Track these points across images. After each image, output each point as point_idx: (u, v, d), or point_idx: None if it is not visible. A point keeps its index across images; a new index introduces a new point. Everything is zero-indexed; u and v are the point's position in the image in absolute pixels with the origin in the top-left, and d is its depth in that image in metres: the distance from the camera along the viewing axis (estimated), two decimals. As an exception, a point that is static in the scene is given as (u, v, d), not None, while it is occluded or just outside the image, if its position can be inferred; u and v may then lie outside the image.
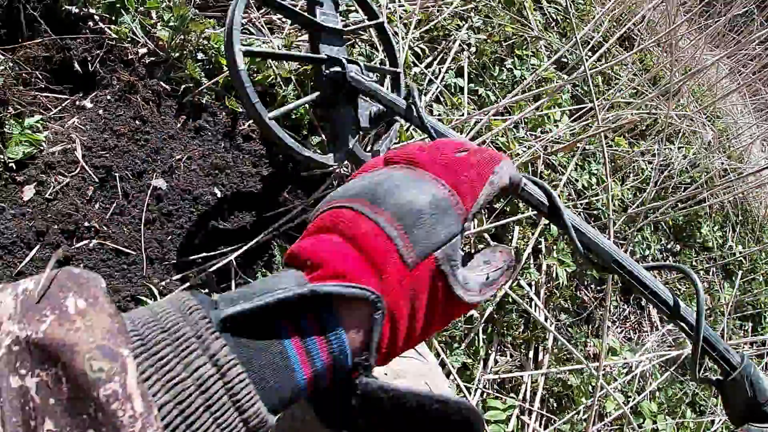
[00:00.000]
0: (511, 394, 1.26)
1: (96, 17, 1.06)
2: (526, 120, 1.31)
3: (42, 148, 0.96)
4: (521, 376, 1.27)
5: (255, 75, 1.06)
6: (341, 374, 0.34)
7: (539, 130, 1.30)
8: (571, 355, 1.31)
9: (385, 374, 0.70)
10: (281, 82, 1.05)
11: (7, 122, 0.96)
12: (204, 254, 0.98)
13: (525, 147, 1.30)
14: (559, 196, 1.42)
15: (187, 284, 0.95)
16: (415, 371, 0.73)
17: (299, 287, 0.32)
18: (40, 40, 1.04)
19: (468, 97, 1.25)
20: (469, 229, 0.40)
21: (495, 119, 1.28)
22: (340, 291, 0.33)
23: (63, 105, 1.02)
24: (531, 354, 1.33)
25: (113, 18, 1.07)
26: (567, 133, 1.37)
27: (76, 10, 1.06)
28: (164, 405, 0.27)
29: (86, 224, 0.92)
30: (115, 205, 0.96)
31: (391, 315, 0.36)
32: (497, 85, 1.32)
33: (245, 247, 1.01)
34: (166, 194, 0.98)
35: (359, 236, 0.36)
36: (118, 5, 1.06)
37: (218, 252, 0.99)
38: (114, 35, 1.05)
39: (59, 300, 0.28)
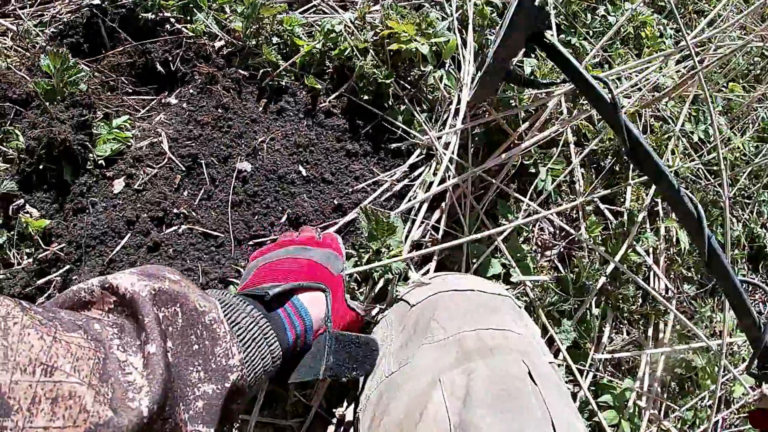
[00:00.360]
0: (628, 377, 1.06)
1: (172, 19, 1.08)
2: (626, 68, 1.18)
3: (130, 144, 0.96)
4: (638, 356, 1.07)
5: (330, 51, 1.02)
6: (309, 334, 0.64)
7: (642, 78, 1.16)
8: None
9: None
10: (358, 54, 1.00)
11: (95, 124, 0.97)
12: (293, 232, 0.90)
13: (629, 98, 1.16)
14: (673, 150, 1.25)
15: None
16: (512, 346, 0.63)
17: (283, 285, 0.64)
18: (122, 48, 1.07)
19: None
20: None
21: (593, 70, 1.16)
22: (308, 284, 0.66)
23: (150, 105, 1.02)
24: (650, 331, 1.12)
25: (188, 17, 1.08)
26: (672, 79, 1.21)
27: (152, 16, 1.08)
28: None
29: (175, 211, 0.89)
30: (202, 191, 0.92)
31: (333, 298, 0.69)
32: (591, 34, 1.21)
33: (338, 224, 0.93)
34: (252, 176, 0.93)
35: (306, 264, 0.70)
36: (191, 5, 1.07)
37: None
38: (191, 33, 1.05)
39: (162, 273, 0.50)
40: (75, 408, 0.36)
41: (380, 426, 0.61)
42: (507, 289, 0.85)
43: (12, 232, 0.93)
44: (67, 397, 0.36)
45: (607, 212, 1.19)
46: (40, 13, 1.26)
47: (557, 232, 1.16)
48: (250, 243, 0.89)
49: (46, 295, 0.88)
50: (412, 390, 0.60)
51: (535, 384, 0.57)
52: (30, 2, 1.30)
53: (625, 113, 1.16)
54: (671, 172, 1.17)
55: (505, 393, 0.55)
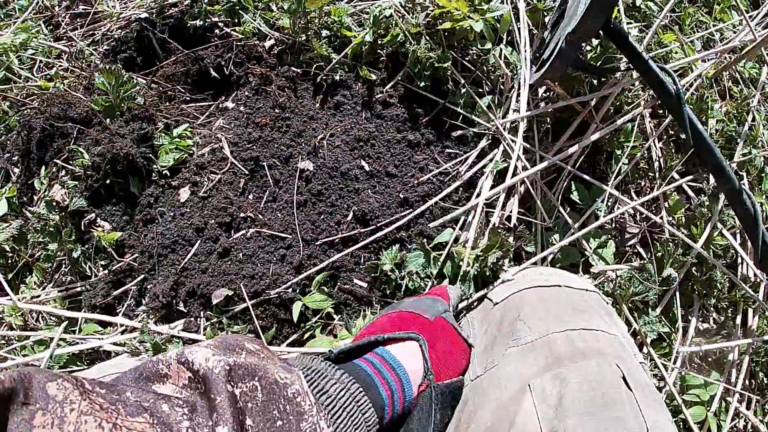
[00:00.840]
0: (715, 370, 0.97)
1: (220, 24, 1.07)
2: (699, 29, 1.09)
3: (192, 152, 0.95)
4: (726, 347, 0.98)
5: (382, 38, 0.99)
6: (408, 388, 0.57)
7: (718, 38, 1.08)
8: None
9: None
10: (411, 38, 0.96)
11: (156, 135, 0.97)
12: (360, 230, 0.88)
13: (704, 61, 1.07)
14: (753, 118, 1.15)
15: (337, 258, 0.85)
16: (604, 349, 0.60)
17: (363, 340, 0.59)
18: (175, 57, 1.07)
19: (624, 13, 1.07)
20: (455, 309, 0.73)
21: (664, 34, 1.08)
22: (393, 335, 0.60)
23: (208, 111, 1.01)
24: (739, 319, 1.03)
25: (236, 20, 1.07)
26: (749, 38, 1.11)
27: (200, 23, 1.07)
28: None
29: (242, 215, 0.88)
30: (267, 193, 0.90)
31: (431, 345, 0.61)
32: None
33: (406, 218, 0.89)
34: (314, 174, 0.91)
35: (395, 317, 0.65)
36: (237, 7, 1.06)
37: (374, 227, 0.89)
38: (240, 35, 1.04)
39: (241, 343, 0.46)
40: None
41: None
42: (592, 283, 0.80)
43: (86, 246, 0.95)
44: None
45: (689, 190, 1.10)
46: (91, 32, 1.29)
47: (637, 213, 1.08)
48: (318, 243, 0.87)
49: (125, 304, 0.89)
50: (500, 397, 0.57)
51: (630, 390, 0.53)
52: (80, 23, 1.33)
53: (704, 76, 1.08)
54: (749, 147, 1.08)
55: (598, 401, 0.51)
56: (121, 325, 0.86)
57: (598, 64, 1.02)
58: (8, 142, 1.21)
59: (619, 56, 1.03)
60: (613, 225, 1.08)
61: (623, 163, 1.01)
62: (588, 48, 1.05)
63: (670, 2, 1.06)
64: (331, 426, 0.45)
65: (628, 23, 1.16)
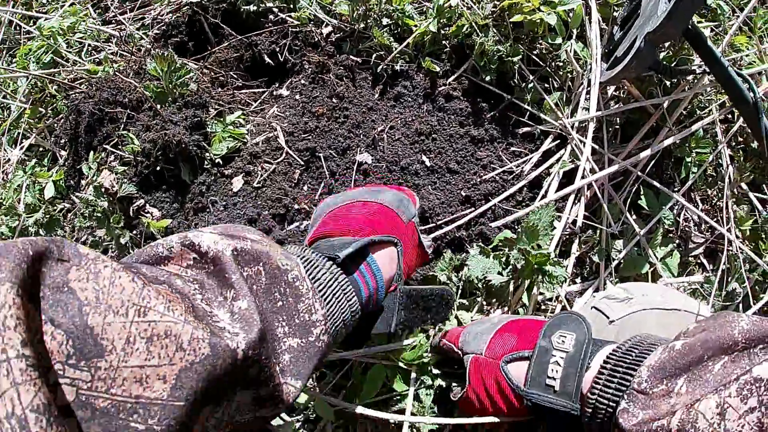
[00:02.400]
0: None
1: (275, 9, 1.03)
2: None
3: (245, 140, 0.92)
4: None
5: (446, 28, 0.94)
6: (381, 289, 0.60)
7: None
8: None
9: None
10: (477, 30, 0.91)
11: (209, 122, 0.94)
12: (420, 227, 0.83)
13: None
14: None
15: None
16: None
17: (357, 242, 0.58)
18: (228, 43, 1.03)
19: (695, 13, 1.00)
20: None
21: (737, 36, 1.01)
22: (379, 238, 0.61)
23: (261, 98, 0.98)
24: None
25: (291, 5, 1.04)
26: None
27: (254, 8, 1.04)
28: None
29: (296, 207, 0.84)
30: (322, 185, 0.86)
31: (405, 251, 0.65)
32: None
33: (468, 218, 0.84)
34: (373, 168, 0.86)
35: (376, 210, 0.66)
36: (295, -7, 1.03)
37: (433, 225, 0.84)
38: (296, 21, 1.01)
39: (242, 232, 0.50)
40: (171, 346, 0.36)
41: None
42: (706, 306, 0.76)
43: (134, 233, 0.92)
44: (162, 336, 0.36)
45: (755, 201, 1.03)
46: (141, 16, 1.26)
47: (702, 223, 1.02)
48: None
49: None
50: None
51: None
52: (129, 6, 1.31)
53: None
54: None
55: None
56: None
57: (672, 65, 0.97)
58: (56, 126, 1.20)
59: (692, 58, 0.97)
60: (678, 234, 1.02)
61: (692, 171, 0.96)
62: (661, 48, 0.99)
63: (750, 4, 0.99)
64: (323, 307, 0.49)
65: (698, 22, 1.09)
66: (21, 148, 1.22)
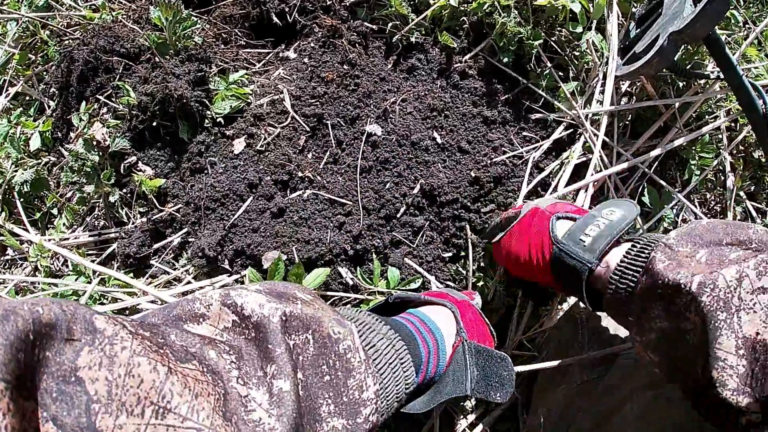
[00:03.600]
0: None
1: (290, -31, 0.99)
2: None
3: (249, 101, 0.88)
4: None
5: (466, 3, 0.91)
6: (442, 353, 0.56)
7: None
8: None
9: None
10: (500, 9, 0.88)
11: (211, 79, 0.90)
12: (427, 208, 0.81)
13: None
14: None
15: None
16: None
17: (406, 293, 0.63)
18: (236, -1, 0.99)
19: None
20: None
21: (749, 47, 1.00)
22: (427, 299, 0.62)
23: (266, 59, 0.94)
24: None
25: (307, -33, 0.99)
26: None
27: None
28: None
29: (300, 174, 0.80)
30: (328, 153, 0.83)
31: (462, 314, 0.60)
32: (745, 3, 1.05)
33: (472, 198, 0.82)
34: (382, 140, 0.83)
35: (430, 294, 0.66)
36: (308, -47, 0.98)
37: (440, 203, 0.82)
38: (311, -17, 0.96)
39: (293, 292, 0.45)
40: None
41: None
42: None
43: (124, 191, 0.87)
44: None
45: (752, 209, 1.04)
46: (143, -35, 1.20)
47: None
48: (380, 214, 0.80)
49: (161, 258, 0.82)
50: None
51: None
52: (131, -45, 1.24)
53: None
54: None
55: None
56: (161, 276, 0.79)
57: (687, 67, 0.97)
58: (45, 74, 1.13)
59: (705, 63, 0.97)
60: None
61: (695, 174, 0.96)
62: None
63: (765, 21, 0.99)
64: (377, 383, 0.44)
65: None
66: (6, 96, 1.16)
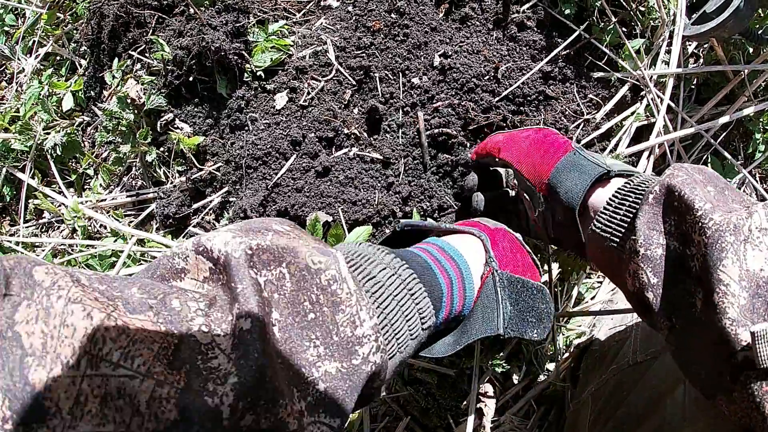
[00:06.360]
0: None
1: None
2: None
3: (291, 53, 0.82)
4: None
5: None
6: (470, 286, 0.49)
7: None
8: None
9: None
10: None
11: (250, 30, 0.84)
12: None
13: None
14: None
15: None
16: None
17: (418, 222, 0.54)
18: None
19: None
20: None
21: None
22: (451, 227, 0.54)
23: (307, 8, 0.88)
24: None
25: None
26: None
27: None
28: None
29: (345, 131, 0.75)
30: (369, 107, 0.77)
31: (493, 243, 0.52)
32: None
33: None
34: (435, 96, 0.77)
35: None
36: None
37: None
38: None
39: (268, 225, 0.39)
40: (126, 409, 0.28)
41: None
42: None
43: (162, 149, 0.84)
44: (115, 396, 0.28)
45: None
46: None
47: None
48: (432, 174, 0.75)
49: (201, 217, 0.79)
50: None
51: None
52: None
53: None
54: None
55: None
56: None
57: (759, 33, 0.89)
58: (75, 32, 1.10)
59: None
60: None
61: (759, 149, 0.89)
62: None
63: None
64: (375, 316, 0.37)
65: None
66: (36, 57, 1.12)
